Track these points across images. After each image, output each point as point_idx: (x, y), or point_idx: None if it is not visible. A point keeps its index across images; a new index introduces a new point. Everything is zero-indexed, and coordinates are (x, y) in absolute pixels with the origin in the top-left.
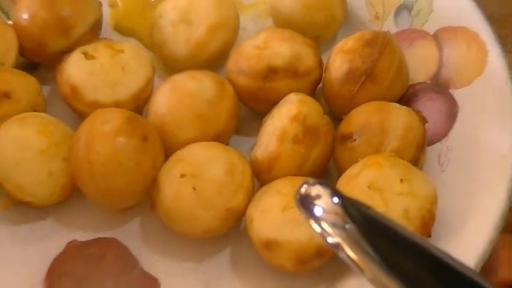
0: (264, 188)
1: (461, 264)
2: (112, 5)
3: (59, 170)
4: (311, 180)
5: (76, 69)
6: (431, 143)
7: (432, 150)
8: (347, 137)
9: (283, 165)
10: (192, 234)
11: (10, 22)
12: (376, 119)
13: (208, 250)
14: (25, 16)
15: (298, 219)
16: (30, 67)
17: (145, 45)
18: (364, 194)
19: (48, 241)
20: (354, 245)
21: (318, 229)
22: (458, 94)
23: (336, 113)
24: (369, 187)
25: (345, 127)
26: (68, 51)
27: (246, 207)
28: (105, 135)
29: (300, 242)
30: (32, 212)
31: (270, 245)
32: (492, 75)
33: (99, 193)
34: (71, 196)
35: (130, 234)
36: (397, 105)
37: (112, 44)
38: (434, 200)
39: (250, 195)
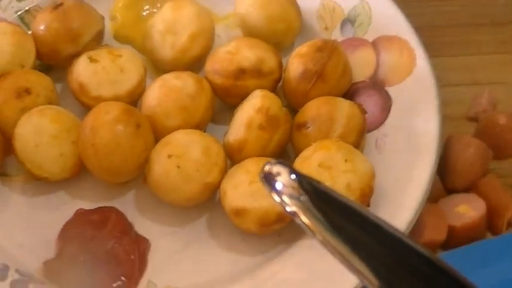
0: (235, 167)
1: (394, 228)
2: (112, 18)
3: (69, 151)
4: (273, 160)
5: (83, 70)
6: (370, 130)
7: (371, 136)
8: (302, 125)
9: (251, 148)
10: (176, 204)
11: (30, 32)
12: (325, 110)
13: (189, 217)
14: (41, 27)
15: (263, 191)
16: (46, 68)
17: (139, 50)
18: (316, 172)
19: (60, 209)
20: (307, 212)
21: (278, 200)
22: (391, 90)
23: (293, 106)
24: (319, 166)
25: (300, 117)
26: (76, 55)
27: (220, 182)
28: (106, 123)
29: (264, 209)
30: (46, 185)
31: (239, 212)
32: (419, 75)
33: (101, 170)
34: (78, 172)
35: (126, 204)
36: (342, 99)
37: (112, 50)
38: (372, 177)
39: (223, 172)
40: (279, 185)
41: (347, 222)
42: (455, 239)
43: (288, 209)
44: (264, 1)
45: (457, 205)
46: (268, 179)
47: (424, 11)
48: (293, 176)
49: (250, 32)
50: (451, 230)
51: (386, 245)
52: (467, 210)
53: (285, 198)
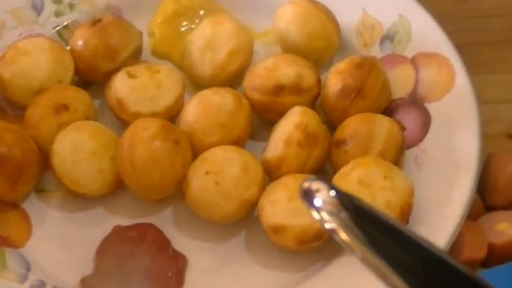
0: (273, 183)
1: (433, 245)
2: (150, 34)
3: (107, 168)
4: (312, 176)
5: (121, 86)
6: (409, 146)
7: (410, 153)
8: (341, 142)
9: (289, 165)
10: (214, 220)
11: (68, 48)
12: (364, 127)
13: (227, 233)
14: (80, 43)
15: (301, 208)
16: (84, 84)
17: (177, 66)
18: (355, 189)
19: (97, 225)
20: (347, 229)
21: (317, 217)
22: (431, 107)
23: (332, 123)
24: (358, 183)
25: (339, 134)
26: (114, 71)
27: (258, 198)
28: (144, 140)
29: (302, 226)
30: (84, 201)
31: (278, 229)
32: (459, 93)
33: (139, 186)
34: (116, 188)
35: (164, 220)
36: (381, 116)
37: (150, 66)
38: (411, 194)
39: (262, 189)
40: (318, 202)
41: (386, 239)
42: (495, 256)
43: (327, 225)
44: (303, 18)
45: (497, 223)
46: (308, 196)
47: (460, 27)
48: (332, 193)
49: (289, 49)
50: (491, 247)
51: (425, 262)
52: (507, 227)
53: (324, 215)
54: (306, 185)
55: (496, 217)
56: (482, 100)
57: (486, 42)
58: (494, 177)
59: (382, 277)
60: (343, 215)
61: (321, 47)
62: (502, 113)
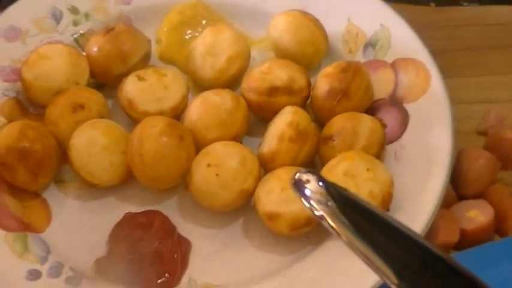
0: (268, 175)
1: (412, 231)
2: (158, 41)
3: (118, 161)
4: (302, 169)
5: (131, 88)
6: (390, 142)
7: (390, 148)
8: (328, 138)
9: (282, 158)
10: (215, 208)
11: (84, 53)
12: (350, 125)
13: (226, 220)
14: (95, 49)
15: (293, 197)
16: (99, 86)
17: (182, 70)
18: (341, 180)
19: (110, 212)
20: (334, 217)
21: (307, 205)
22: (409, 107)
23: (320, 121)
24: (344, 175)
25: (326, 131)
26: (125, 74)
27: (254, 188)
28: (152, 136)
29: (294, 214)
30: (98, 191)
31: (272, 216)
32: (434, 94)
33: (147, 178)
34: (127, 180)
35: (170, 208)
36: (365, 115)
37: (158, 70)
38: (391, 184)
39: (258, 180)
40: (308, 192)
41: (370, 225)
42: (467, 241)
43: (316, 213)
44: (294, 27)
45: (468, 210)
46: (298, 186)
47: (437, 35)
48: (321, 183)
49: (282, 54)
50: (463, 233)
51: (404, 246)
52: (477, 215)
53: (314, 203)
54: (297, 176)
55: (467, 205)
56: (456, 100)
57: (460, 49)
58: (465, 170)
59: (366, 260)
60: (331, 203)
61: (310, 52)
62: (474, 112)
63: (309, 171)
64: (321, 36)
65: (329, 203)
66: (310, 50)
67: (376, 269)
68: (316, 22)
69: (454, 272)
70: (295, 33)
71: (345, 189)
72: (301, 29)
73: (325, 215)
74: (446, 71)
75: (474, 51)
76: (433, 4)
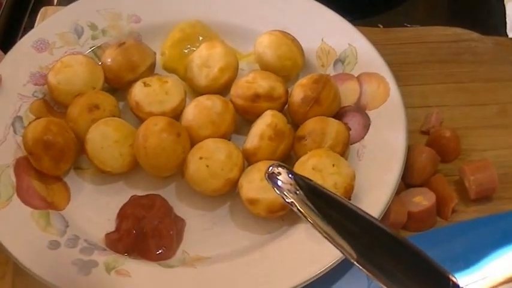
0: (250, 167)
1: (367, 213)
2: (162, 54)
3: (126, 152)
4: (275, 163)
5: (139, 92)
6: (353, 142)
7: (353, 147)
8: (301, 138)
9: (262, 153)
10: (206, 193)
11: (100, 63)
12: (319, 127)
13: (215, 204)
14: (109, 59)
15: (270, 186)
16: (112, 90)
17: (181, 78)
18: (310, 173)
19: (119, 195)
20: (301, 202)
21: (279, 193)
22: (371, 113)
23: (296, 123)
24: (313, 169)
25: (300, 131)
26: (134, 81)
27: (238, 178)
28: (154, 132)
29: (271, 200)
30: (109, 177)
31: (252, 201)
32: (392, 103)
33: (150, 166)
34: (133, 168)
35: (169, 192)
36: (333, 119)
37: (161, 77)
38: (353, 178)
39: (242, 171)
40: (279, 182)
41: (332, 210)
42: (413, 221)
43: (287, 200)
44: (276, 44)
45: (414, 196)
46: (272, 178)
47: (385, 52)
48: (290, 175)
49: (265, 67)
50: (410, 214)
51: (361, 226)
52: (421, 200)
53: (284, 192)
54: (270, 169)
55: (413, 192)
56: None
57: (404, 63)
58: (411, 163)
59: (329, 238)
60: (299, 192)
61: (288, 66)
62: (418, 115)
63: (280, 165)
64: (298, 52)
65: (297, 192)
66: (289, 64)
67: (338, 246)
68: (294, 41)
69: (403, 248)
70: (276, 49)
71: (310, 180)
72: (281, 46)
73: (294, 202)
74: (401, 81)
75: (415, 64)
76: (381, 26)
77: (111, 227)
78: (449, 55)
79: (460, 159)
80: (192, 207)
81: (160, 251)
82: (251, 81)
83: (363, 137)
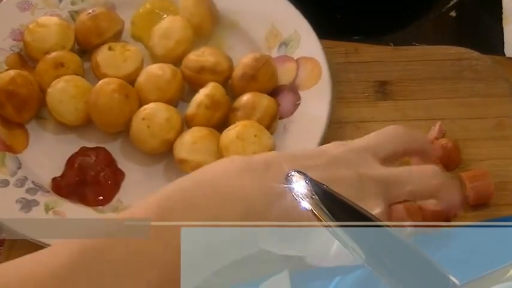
0: (185, 131)
1: (375, 217)
2: (132, 23)
3: (81, 107)
4: (294, 171)
5: (101, 54)
6: (283, 117)
7: (282, 122)
8: (235, 109)
9: (199, 120)
10: (145, 151)
11: (73, 25)
12: (251, 100)
13: (153, 160)
14: (80, 24)
15: (199, 149)
16: (81, 52)
17: (146, 47)
18: (234, 141)
19: (71, 145)
20: (317, 207)
21: (297, 198)
22: (302, 93)
23: (236, 96)
24: (237, 137)
25: (235, 104)
26: (101, 44)
27: (174, 140)
28: (107, 92)
29: (197, 161)
30: (65, 128)
31: (182, 161)
32: (322, 86)
33: (100, 122)
34: (87, 122)
35: (114, 147)
36: (265, 95)
37: (125, 45)
38: (272, 148)
39: (178, 134)
40: (297, 187)
41: (344, 213)
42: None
43: (303, 204)
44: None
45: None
46: (290, 183)
47: (395, 68)
48: (307, 181)
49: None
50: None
51: (370, 229)
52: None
53: (301, 196)
54: (289, 175)
55: None
56: (408, 118)
57: (412, 79)
58: None
59: (341, 240)
60: (315, 197)
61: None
62: (422, 127)
63: (298, 173)
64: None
65: (313, 197)
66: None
67: (349, 248)
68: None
69: (406, 249)
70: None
71: (325, 186)
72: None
73: (310, 205)
74: (401, 96)
75: (421, 80)
76: (391, 44)
77: (59, 173)
78: (452, 72)
79: (461, 168)
80: (132, 162)
81: (97, 198)
82: (200, 55)
83: (292, 113)
